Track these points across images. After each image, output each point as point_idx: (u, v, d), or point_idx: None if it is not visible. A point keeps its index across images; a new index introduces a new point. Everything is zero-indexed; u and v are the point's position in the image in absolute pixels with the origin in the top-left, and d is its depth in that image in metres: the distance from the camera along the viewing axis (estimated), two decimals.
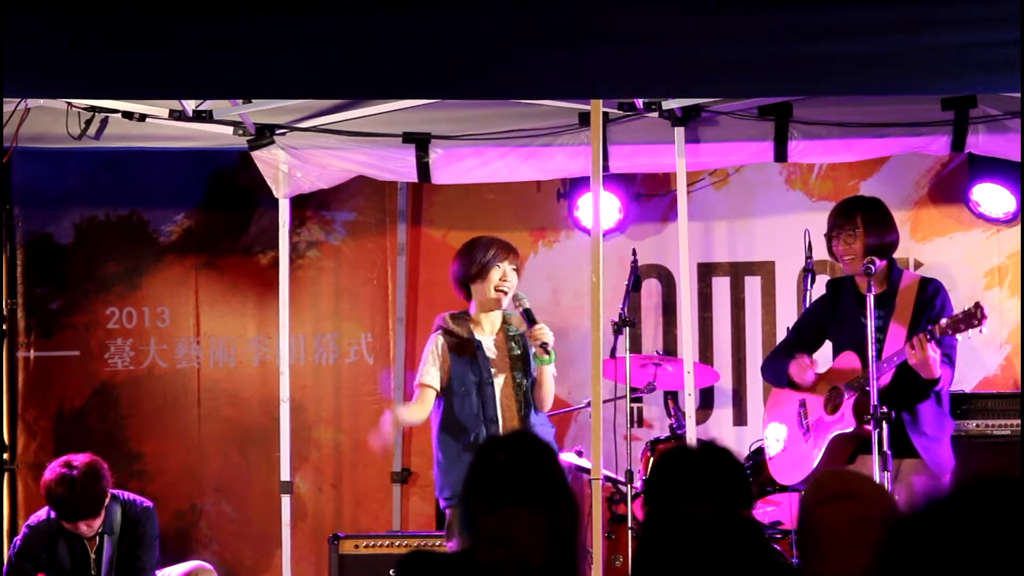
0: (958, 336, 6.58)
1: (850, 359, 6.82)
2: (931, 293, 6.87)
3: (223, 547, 9.22)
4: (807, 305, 7.50)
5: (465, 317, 6.96)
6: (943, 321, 6.59)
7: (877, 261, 6.79)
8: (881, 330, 6.79)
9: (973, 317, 6.52)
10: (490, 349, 6.91)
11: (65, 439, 8.98)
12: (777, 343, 7.68)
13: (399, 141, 8.07)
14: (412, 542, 7.94)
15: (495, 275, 6.87)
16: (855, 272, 6.91)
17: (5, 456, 8.55)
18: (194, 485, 9.24)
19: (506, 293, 6.90)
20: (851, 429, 6.76)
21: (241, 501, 9.23)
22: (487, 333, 6.95)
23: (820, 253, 8.38)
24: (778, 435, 7.16)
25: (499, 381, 6.88)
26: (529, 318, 6.85)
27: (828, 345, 7.18)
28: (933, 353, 6.54)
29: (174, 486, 9.21)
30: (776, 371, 7.13)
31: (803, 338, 7.18)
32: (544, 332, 6.79)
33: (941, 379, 6.63)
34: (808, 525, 3.80)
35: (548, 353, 6.79)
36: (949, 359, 6.70)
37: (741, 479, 3.88)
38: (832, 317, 7.06)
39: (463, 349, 6.90)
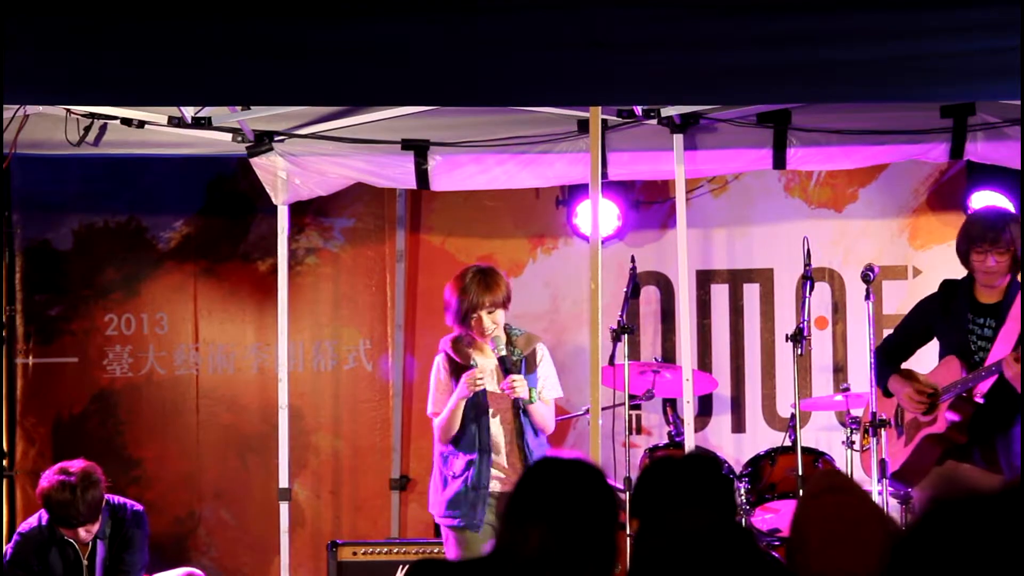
0: None
1: (952, 363, 6.90)
2: None
3: (222, 554, 9.21)
4: (806, 312, 7.51)
5: (467, 340, 7.04)
6: None
7: (875, 267, 6.85)
8: (989, 339, 6.85)
9: None
10: (487, 376, 6.98)
11: (64, 446, 8.97)
12: (888, 335, 7.63)
13: (398, 148, 8.07)
14: (410, 549, 7.94)
15: (476, 324, 6.96)
16: (989, 284, 6.95)
17: (4, 463, 8.54)
18: (193, 492, 9.23)
19: (489, 337, 6.99)
20: (942, 431, 6.84)
21: (240, 508, 9.22)
22: (489, 356, 7.00)
23: (819, 260, 8.40)
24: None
25: (498, 407, 6.97)
26: (504, 367, 6.94)
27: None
28: None
29: (173, 493, 9.20)
30: (879, 375, 7.20)
31: (910, 334, 7.23)
32: (516, 387, 6.91)
33: None
34: (795, 522, 3.86)
35: (530, 402, 6.94)
36: None
37: (729, 486, 3.93)
38: (941, 317, 7.08)
39: (460, 375, 6.98)
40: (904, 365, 7.24)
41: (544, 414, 7.01)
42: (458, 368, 7.01)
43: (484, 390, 6.95)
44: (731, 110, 7.82)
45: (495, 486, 6.93)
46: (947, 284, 7.20)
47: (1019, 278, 6.98)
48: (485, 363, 7.00)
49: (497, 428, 6.98)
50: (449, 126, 8.02)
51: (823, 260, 8.71)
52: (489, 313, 6.94)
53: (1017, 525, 2.13)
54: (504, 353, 6.93)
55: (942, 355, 7.12)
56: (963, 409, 6.79)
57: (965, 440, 6.86)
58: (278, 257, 8.38)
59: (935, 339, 7.20)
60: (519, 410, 6.96)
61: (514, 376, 6.90)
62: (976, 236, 6.91)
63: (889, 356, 7.21)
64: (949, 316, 7.02)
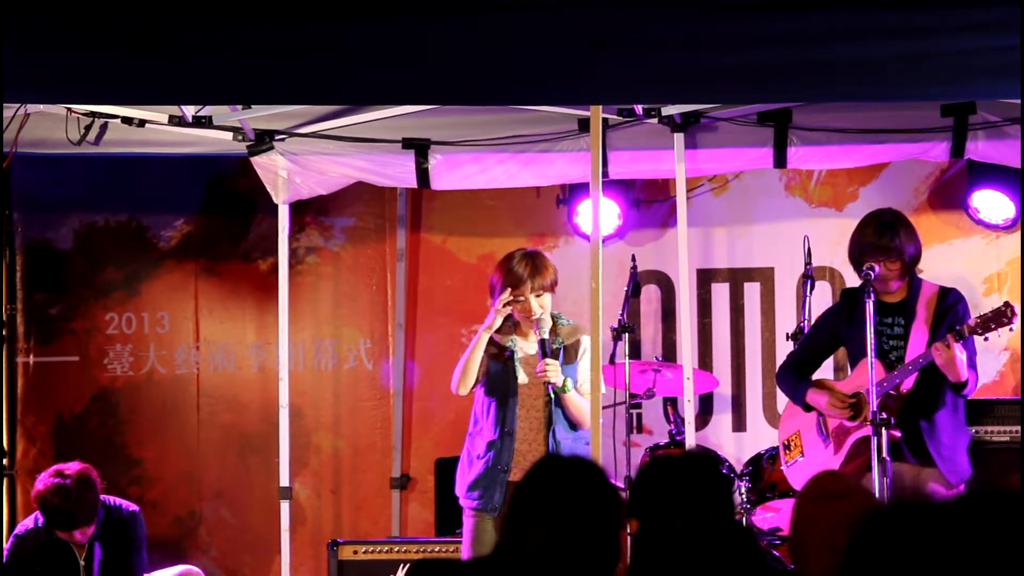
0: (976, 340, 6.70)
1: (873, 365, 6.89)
2: (952, 300, 6.93)
3: (222, 553, 9.22)
4: (806, 311, 7.51)
5: (511, 322, 7.03)
6: (972, 320, 6.66)
7: (876, 267, 6.85)
8: (901, 337, 6.89)
9: (1003, 315, 6.61)
10: (526, 359, 6.97)
11: (64, 445, 8.98)
12: (792, 349, 7.68)
13: (399, 147, 8.06)
14: (411, 548, 7.94)
15: (522, 306, 6.94)
16: (885, 291, 6.99)
17: (4, 462, 8.54)
18: (193, 491, 9.23)
19: (532, 320, 6.97)
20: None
21: (240, 507, 9.22)
22: (531, 340, 6.99)
23: (819, 259, 8.41)
24: (796, 443, 7.23)
25: (527, 393, 6.94)
26: (543, 350, 6.91)
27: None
28: (960, 354, 6.60)
29: (173, 492, 9.20)
30: (793, 391, 7.20)
31: (817, 346, 7.24)
32: (549, 371, 6.86)
33: (968, 382, 6.69)
34: (796, 523, 3.84)
35: (562, 390, 6.88)
36: (972, 364, 6.77)
37: (727, 484, 3.93)
38: (848, 324, 7.08)
39: (499, 354, 6.98)
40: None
41: (581, 407, 6.91)
42: (499, 349, 7.01)
43: (516, 372, 6.94)
44: (732, 109, 7.82)
45: (514, 473, 6.89)
46: (848, 293, 7.24)
47: (917, 273, 7.04)
48: (525, 347, 6.99)
49: (522, 414, 6.95)
50: (449, 125, 8.01)
51: (824, 259, 8.70)
52: (537, 296, 6.93)
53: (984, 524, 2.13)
54: (546, 336, 6.91)
55: (853, 359, 7.12)
56: (892, 404, 6.82)
57: (900, 435, 6.85)
58: (279, 256, 8.38)
59: (840, 350, 7.28)
60: (550, 399, 6.93)
61: (548, 360, 6.88)
62: (864, 248, 6.94)
63: (798, 370, 7.24)
64: (856, 322, 7.02)
